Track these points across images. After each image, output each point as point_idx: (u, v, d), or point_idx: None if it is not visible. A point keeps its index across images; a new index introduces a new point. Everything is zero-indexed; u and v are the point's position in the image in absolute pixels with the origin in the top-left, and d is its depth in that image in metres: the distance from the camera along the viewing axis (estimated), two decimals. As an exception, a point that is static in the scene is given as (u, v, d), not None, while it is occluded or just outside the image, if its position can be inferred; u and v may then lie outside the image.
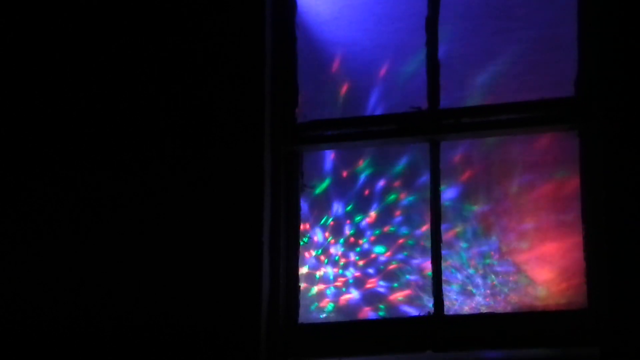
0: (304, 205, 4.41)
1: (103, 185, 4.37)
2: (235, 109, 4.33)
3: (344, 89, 4.58)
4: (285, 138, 4.39)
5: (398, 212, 4.56)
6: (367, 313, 4.50)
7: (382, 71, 4.55)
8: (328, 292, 4.55)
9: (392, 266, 4.52)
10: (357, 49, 4.57)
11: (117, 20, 4.48)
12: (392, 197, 4.61)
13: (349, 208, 4.62)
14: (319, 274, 4.55)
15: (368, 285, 4.54)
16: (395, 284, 4.51)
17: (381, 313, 4.50)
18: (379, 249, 4.56)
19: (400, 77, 4.52)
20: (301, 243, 4.39)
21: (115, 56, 4.46)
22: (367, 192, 4.61)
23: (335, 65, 4.59)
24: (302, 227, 4.37)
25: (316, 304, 4.48)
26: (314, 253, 4.54)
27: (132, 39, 4.45)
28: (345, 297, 4.55)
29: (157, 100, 4.39)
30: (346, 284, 4.57)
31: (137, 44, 4.45)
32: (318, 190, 4.55)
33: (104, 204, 4.35)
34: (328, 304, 4.53)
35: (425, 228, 4.41)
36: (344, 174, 4.62)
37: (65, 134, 4.43)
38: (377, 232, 4.58)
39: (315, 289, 4.52)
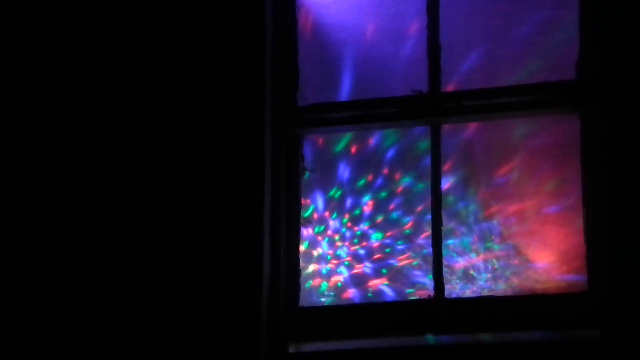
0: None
1: (102, 170, 4.38)
2: (235, 91, 4.32)
3: (344, 72, 4.56)
4: (285, 121, 4.38)
5: (397, 196, 4.56)
6: (361, 294, 4.51)
7: (383, 54, 4.54)
8: (324, 271, 4.56)
9: (392, 251, 4.52)
10: (357, 32, 4.56)
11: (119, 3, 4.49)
12: (393, 181, 4.61)
13: (345, 199, 4.62)
14: (315, 253, 4.56)
15: (364, 268, 4.55)
16: (396, 268, 4.52)
17: (385, 297, 4.51)
18: (377, 233, 4.56)
19: (402, 60, 4.51)
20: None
21: (116, 40, 4.46)
22: (370, 176, 4.61)
23: (336, 48, 4.58)
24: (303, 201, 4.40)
25: (310, 281, 4.49)
26: (312, 231, 4.55)
27: (132, 22, 4.45)
28: (338, 278, 4.56)
29: (157, 83, 4.38)
30: (341, 265, 4.58)
31: (136, 26, 4.44)
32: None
33: (104, 189, 4.36)
34: (322, 283, 4.54)
35: (426, 212, 4.41)
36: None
37: (70, 119, 4.45)
38: (377, 216, 4.58)
39: (311, 267, 4.52)
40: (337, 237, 4.61)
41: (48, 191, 4.38)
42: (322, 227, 4.59)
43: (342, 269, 4.57)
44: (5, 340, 4.29)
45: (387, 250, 4.55)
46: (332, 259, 4.59)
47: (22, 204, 4.40)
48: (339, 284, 4.57)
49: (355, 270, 4.57)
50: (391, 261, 4.54)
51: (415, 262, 4.49)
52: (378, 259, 4.55)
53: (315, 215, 4.61)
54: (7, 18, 4.55)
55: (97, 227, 4.32)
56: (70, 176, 4.38)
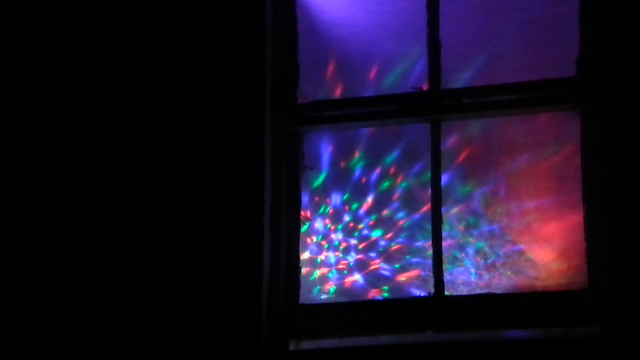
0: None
1: (103, 167, 4.38)
2: (235, 89, 4.33)
3: (344, 69, 4.56)
4: (285, 118, 4.39)
5: (397, 195, 4.56)
6: (361, 292, 4.51)
7: (383, 52, 4.53)
8: (324, 269, 4.55)
9: (392, 248, 4.52)
10: (358, 30, 4.56)
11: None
12: (392, 178, 4.60)
13: (345, 197, 4.62)
14: (315, 250, 4.56)
15: (369, 268, 4.54)
16: (397, 265, 4.51)
17: (385, 294, 4.50)
18: (377, 230, 4.56)
19: (402, 58, 4.51)
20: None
21: (116, 40, 4.46)
22: (370, 174, 4.60)
23: (336, 45, 4.57)
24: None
25: (310, 278, 4.49)
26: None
27: (132, 21, 4.45)
28: (338, 276, 4.55)
29: (157, 81, 4.38)
30: (347, 266, 4.57)
31: (136, 26, 4.44)
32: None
33: (106, 187, 4.36)
34: (322, 281, 4.53)
35: (425, 209, 4.41)
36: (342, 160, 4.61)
37: (70, 118, 4.45)
38: (377, 214, 4.57)
39: (311, 265, 4.52)
40: (336, 234, 4.60)
41: (48, 191, 4.38)
42: (322, 225, 4.59)
43: (342, 266, 4.57)
44: (6, 331, 4.30)
45: (387, 247, 4.54)
46: (332, 257, 4.59)
47: (22, 203, 4.40)
48: (339, 281, 4.56)
49: (355, 268, 4.57)
50: (391, 259, 4.53)
51: (415, 260, 4.48)
52: (378, 257, 4.55)
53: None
54: (7, 18, 4.55)
55: (98, 227, 4.32)
56: (70, 173, 4.38)
